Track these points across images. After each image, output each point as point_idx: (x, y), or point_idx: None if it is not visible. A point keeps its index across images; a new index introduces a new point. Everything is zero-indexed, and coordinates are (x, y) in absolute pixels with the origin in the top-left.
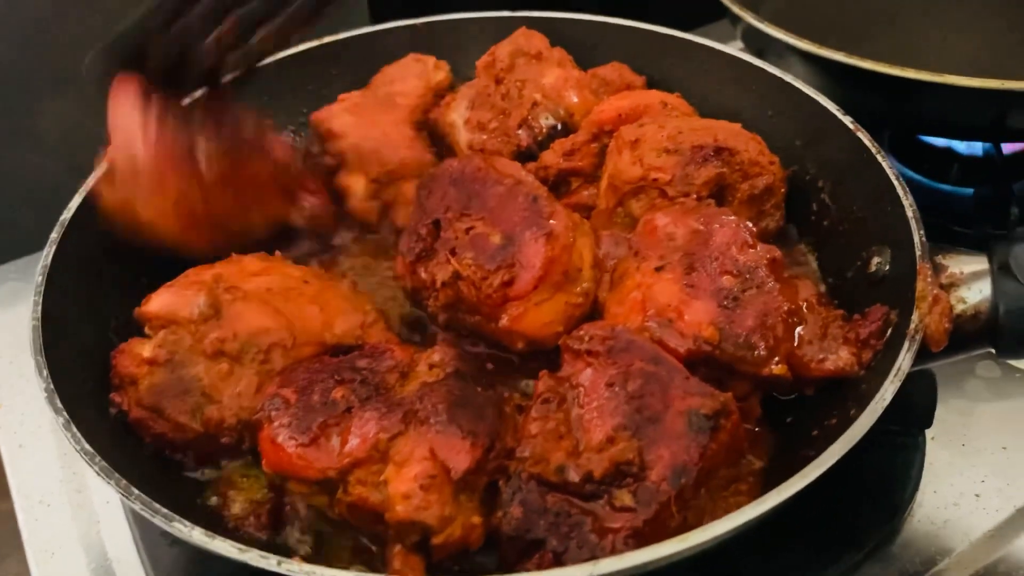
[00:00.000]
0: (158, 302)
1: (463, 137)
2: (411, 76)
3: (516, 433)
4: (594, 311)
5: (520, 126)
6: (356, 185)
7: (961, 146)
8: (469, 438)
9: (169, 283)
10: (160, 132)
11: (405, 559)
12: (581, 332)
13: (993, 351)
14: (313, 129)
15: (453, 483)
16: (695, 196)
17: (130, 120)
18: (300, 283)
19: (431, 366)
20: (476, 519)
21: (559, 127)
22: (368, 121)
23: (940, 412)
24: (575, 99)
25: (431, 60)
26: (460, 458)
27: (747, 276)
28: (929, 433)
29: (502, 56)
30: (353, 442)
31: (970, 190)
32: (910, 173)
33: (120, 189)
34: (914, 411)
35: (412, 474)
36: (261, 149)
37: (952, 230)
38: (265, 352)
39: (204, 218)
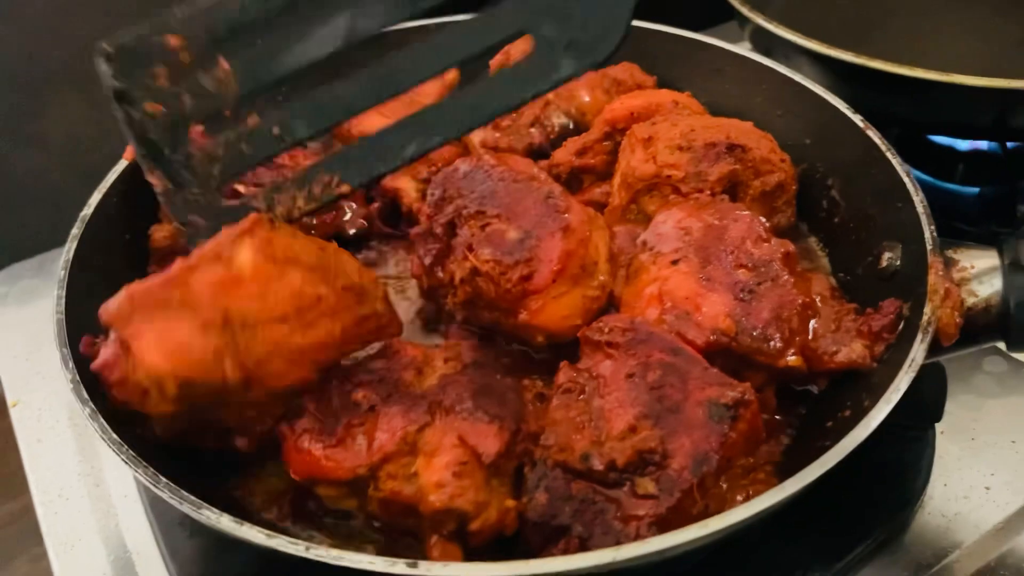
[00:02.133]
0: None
1: (476, 135)
2: None
3: (539, 419)
4: (610, 305)
5: (533, 124)
6: (407, 186)
7: (964, 145)
8: (496, 422)
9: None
10: None
11: (444, 549)
12: (601, 324)
13: (1003, 344)
14: (345, 134)
15: (485, 468)
16: (708, 192)
17: None
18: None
19: (447, 359)
20: (510, 503)
21: (571, 126)
22: None
23: (949, 407)
24: (587, 98)
25: None
26: (489, 442)
27: (762, 269)
28: (939, 427)
29: (515, 55)
30: (381, 438)
31: (976, 189)
32: (916, 172)
33: None
34: (924, 405)
35: (443, 462)
36: None
37: (958, 228)
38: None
39: None
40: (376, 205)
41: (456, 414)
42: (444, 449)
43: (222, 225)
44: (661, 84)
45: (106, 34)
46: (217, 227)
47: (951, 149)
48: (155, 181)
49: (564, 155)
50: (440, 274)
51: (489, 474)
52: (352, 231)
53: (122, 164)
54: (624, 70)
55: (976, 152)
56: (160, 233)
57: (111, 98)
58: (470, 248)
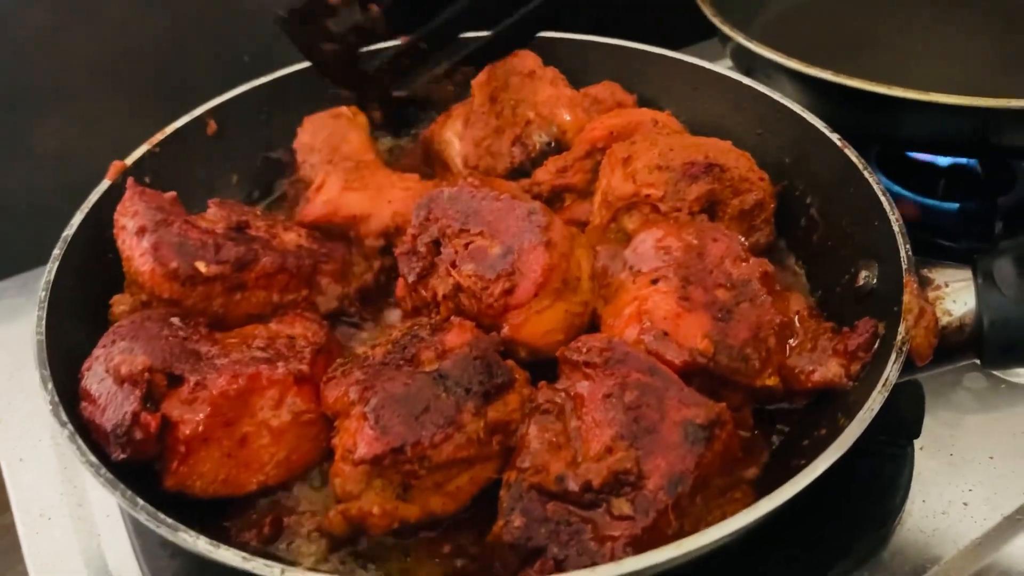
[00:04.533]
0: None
1: (458, 153)
2: None
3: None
4: (592, 323)
5: (514, 143)
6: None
7: (945, 161)
8: (379, 432)
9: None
10: None
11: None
12: (579, 344)
13: (978, 362)
14: None
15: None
16: (687, 211)
17: None
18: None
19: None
20: (387, 506)
21: (552, 144)
22: None
23: (928, 423)
24: (567, 117)
25: None
26: (362, 446)
27: (740, 289)
28: (917, 444)
29: (496, 74)
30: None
31: (955, 204)
32: (897, 188)
33: None
34: (902, 422)
35: (343, 442)
36: None
37: (938, 243)
38: None
39: None
40: (355, 286)
41: (362, 404)
42: (347, 430)
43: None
44: (642, 102)
45: (98, 52)
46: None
47: (932, 165)
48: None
49: (545, 174)
50: (424, 292)
51: (369, 473)
52: (324, 311)
53: (105, 184)
54: (604, 89)
55: (957, 167)
56: (120, 307)
57: (299, 48)
58: (453, 265)
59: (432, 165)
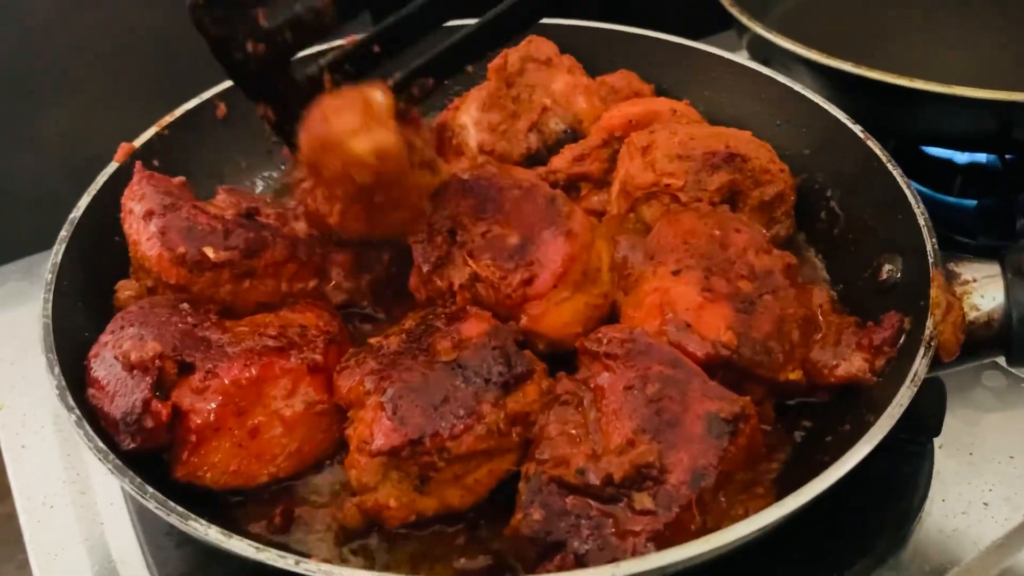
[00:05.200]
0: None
1: (473, 138)
2: None
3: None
4: (611, 315)
5: (530, 129)
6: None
7: (962, 157)
8: (396, 423)
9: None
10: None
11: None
12: (599, 335)
13: (1003, 359)
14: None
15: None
16: (707, 202)
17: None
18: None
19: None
20: (405, 498)
21: (568, 132)
22: None
23: (947, 421)
24: (584, 105)
25: None
26: (380, 438)
27: (763, 281)
28: (937, 442)
29: (513, 60)
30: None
31: (973, 201)
32: (913, 185)
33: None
34: (923, 419)
35: (358, 434)
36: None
37: (956, 241)
38: None
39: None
40: (367, 278)
41: (378, 394)
42: (362, 421)
43: None
44: (659, 92)
45: (100, 39)
46: None
47: (949, 161)
48: (262, 112)
49: (562, 162)
50: (439, 282)
51: (386, 464)
52: (336, 301)
53: (112, 166)
54: (621, 78)
55: (974, 164)
56: (126, 292)
57: (210, 47)
58: (470, 254)
59: (445, 152)
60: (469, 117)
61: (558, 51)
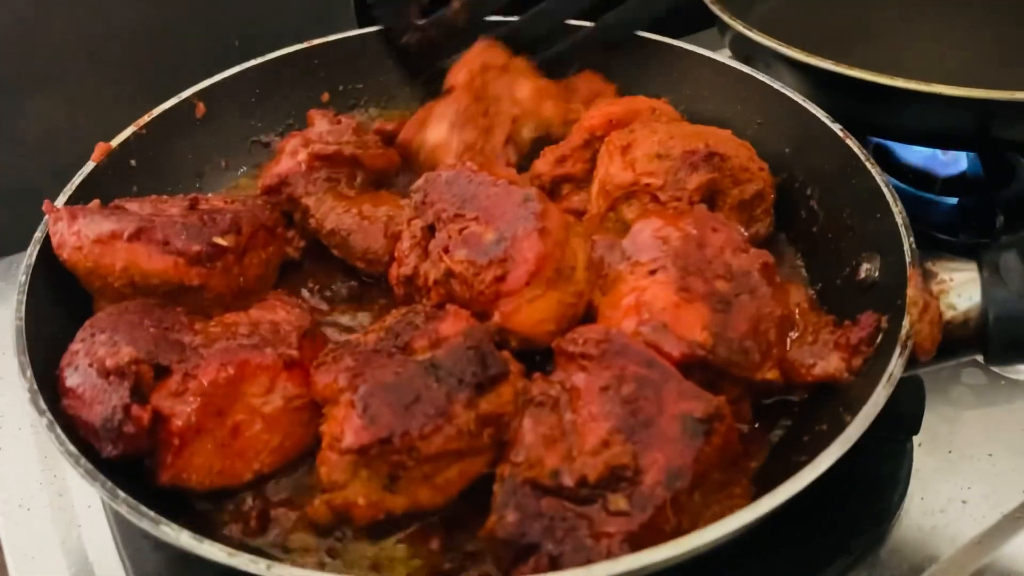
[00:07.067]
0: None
1: (452, 159)
2: None
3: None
4: (587, 315)
5: (506, 143)
6: None
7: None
8: (366, 420)
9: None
10: None
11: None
12: (575, 335)
13: (981, 357)
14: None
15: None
16: (686, 201)
17: None
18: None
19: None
20: (373, 497)
21: (541, 136)
22: None
23: (926, 419)
24: (552, 110)
25: None
26: (349, 434)
27: (740, 280)
28: (916, 440)
29: (475, 70)
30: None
31: (954, 199)
32: (894, 182)
33: None
34: (902, 418)
35: (330, 429)
36: None
37: (937, 238)
38: None
39: None
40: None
41: (351, 392)
42: (334, 418)
43: None
44: (639, 91)
45: (83, 36)
46: None
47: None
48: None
49: (544, 165)
50: (417, 279)
51: (356, 462)
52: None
53: (89, 166)
54: (583, 79)
55: (955, 177)
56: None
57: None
58: (446, 250)
59: (416, 169)
60: (437, 137)
61: (510, 53)
